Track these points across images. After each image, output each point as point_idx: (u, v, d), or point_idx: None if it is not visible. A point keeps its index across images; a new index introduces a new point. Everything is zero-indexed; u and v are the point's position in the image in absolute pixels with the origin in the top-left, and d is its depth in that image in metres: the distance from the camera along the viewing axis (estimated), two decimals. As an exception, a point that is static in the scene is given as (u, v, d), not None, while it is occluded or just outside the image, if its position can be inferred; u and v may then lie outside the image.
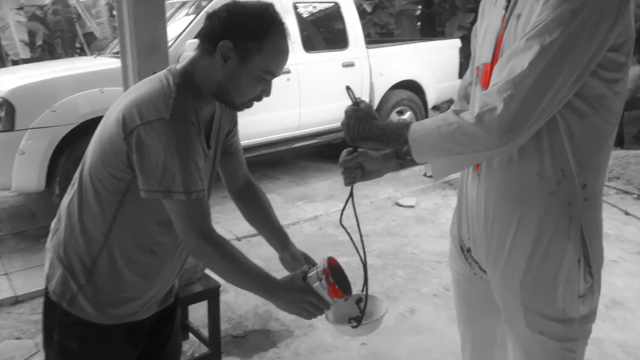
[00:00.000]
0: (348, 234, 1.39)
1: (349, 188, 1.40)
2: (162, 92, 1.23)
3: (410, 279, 3.31)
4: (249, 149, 4.41)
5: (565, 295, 1.19)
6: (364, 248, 1.36)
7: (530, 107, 1.07)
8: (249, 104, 1.33)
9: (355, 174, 1.38)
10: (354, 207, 1.38)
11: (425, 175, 5.25)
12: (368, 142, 1.27)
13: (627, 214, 4.24)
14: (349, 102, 1.32)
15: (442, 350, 2.60)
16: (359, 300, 1.36)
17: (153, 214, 1.30)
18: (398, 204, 4.54)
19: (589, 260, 1.19)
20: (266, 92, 1.31)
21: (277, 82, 1.32)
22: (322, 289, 1.24)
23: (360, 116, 1.27)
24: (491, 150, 1.12)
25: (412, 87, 5.74)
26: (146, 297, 1.40)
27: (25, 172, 3.58)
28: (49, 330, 1.40)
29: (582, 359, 1.25)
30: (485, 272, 1.35)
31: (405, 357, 2.55)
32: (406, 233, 3.98)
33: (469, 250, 1.39)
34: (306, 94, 4.83)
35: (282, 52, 1.27)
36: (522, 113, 1.07)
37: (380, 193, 4.75)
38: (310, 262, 1.45)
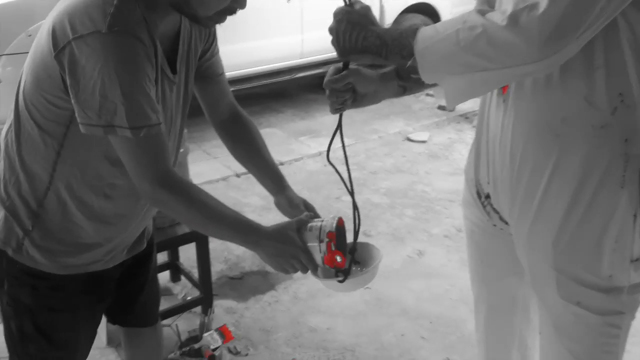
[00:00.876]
0: (337, 172, 1.17)
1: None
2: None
3: (419, 218, 3.11)
4: (247, 79, 4.14)
5: (613, 259, 0.94)
6: (353, 189, 1.15)
7: (586, 3, 0.77)
8: (218, 19, 1.07)
9: (345, 98, 1.10)
10: (342, 140, 1.13)
11: (439, 108, 4.91)
12: (362, 55, 0.98)
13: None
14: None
15: (453, 296, 2.43)
16: (351, 250, 1.16)
17: (104, 151, 1.10)
18: (409, 139, 4.27)
19: (650, 214, 0.92)
20: (239, 2, 1.04)
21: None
22: (318, 252, 1.07)
23: (353, 20, 0.97)
24: (527, 65, 0.82)
25: (426, 11, 5.30)
26: (109, 245, 1.24)
27: (5, 102, 3.32)
28: None
29: (626, 335, 1.01)
30: (507, 223, 1.10)
31: (412, 303, 2.39)
32: (417, 170, 3.75)
33: (487, 196, 1.13)
34: (309, 18, 4.40)
35: None
36: (574, 12, 0.78)
37: (390, 127, 4.46)
38: (310, 209, 1.24)
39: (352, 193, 1.13)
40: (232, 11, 1.06)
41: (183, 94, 1.21)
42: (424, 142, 4.21)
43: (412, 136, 4.31)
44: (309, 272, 1.11)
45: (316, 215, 1.19)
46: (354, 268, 1.13)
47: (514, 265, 1.13)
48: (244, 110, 1.38)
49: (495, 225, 1.16)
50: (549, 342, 1.06)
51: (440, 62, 0.89)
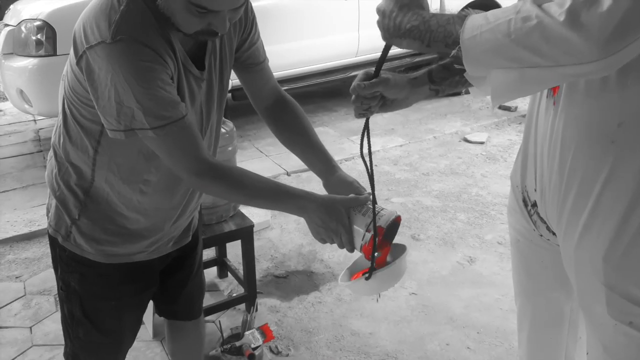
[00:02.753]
0: (368, 171, 1.11)
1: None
2: (109, 6, 1.00)
3: (472, 223, 2.99)
4: (301, 78, 4.11)
5: (672, 278, 0.84)
6: (373, 191, 1.10)
7: None
8: (203, 36, 1.06)
9: (370, 105, 1.06)
10: (369, 143, 1.09)
11: (500, 107, 4.71)
12: (405, 40, 0.92)
13: None
14: None
15: (503, 306, 2.31)
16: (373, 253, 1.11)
17: (138, 147, 1.13)
18: (466, 140, 4.13)
19: None
20: (215, 26, 1.02)
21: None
22: (361, 238, 1.05)
23: (402, 1, 0.91)
24: (583, 65, 0.73)
25: (490, 7, 5.06)
26: (153, 237, 1.27)
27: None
28: (54, 263, 1.32)
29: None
30: (554, 234, 1.02)
31: (459, 312, 2.30)
32: (472, 172, 3.61)
33: (534, 205, 1.05)
34: (367, 15, 4.33)
35: None
36: (639, 7, 0.69)
37: (446, 127, 4.33)
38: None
39: (373, 197, 1.08)
40: (211, 33, 1.05)
41: (218, 88, 1.21)
42: (481, 143, 4.07)
43: (470, 137, 4.16)
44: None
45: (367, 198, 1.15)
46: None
47: (561, 279, 1.05)
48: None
49: (541, 236, 1.08)
50: (597, 365, 0.97)
51: (487, 53, 0.82)
